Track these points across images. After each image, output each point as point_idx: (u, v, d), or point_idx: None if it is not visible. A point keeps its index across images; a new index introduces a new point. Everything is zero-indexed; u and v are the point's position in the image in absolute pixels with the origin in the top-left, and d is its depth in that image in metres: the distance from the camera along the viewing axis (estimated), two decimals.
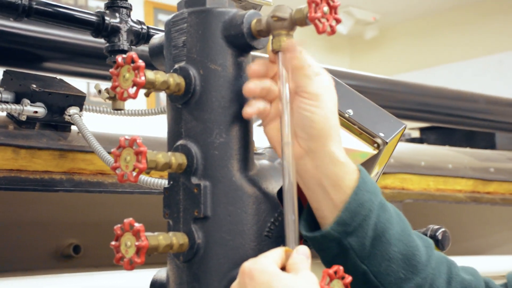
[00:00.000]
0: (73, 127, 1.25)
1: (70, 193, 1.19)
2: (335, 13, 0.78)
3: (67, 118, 1.21)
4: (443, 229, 1.31)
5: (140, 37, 1.02)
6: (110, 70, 0.79)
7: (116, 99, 1.01)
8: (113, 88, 0.79)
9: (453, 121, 2.37)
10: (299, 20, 0.78)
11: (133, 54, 0.78)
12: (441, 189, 1.97)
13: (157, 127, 1.48)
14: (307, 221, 0.85)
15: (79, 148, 1.21)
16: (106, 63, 1.24)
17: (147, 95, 0.82)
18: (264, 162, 0.89)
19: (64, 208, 1.69)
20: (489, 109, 2.48)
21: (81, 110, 1.22)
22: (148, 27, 1.04)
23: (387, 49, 6.49)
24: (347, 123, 0.97)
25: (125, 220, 0.77)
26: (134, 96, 0.77)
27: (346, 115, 0.97)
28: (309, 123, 0.80)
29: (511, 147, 3.04)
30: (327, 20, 0.77)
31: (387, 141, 0.95)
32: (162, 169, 0.80)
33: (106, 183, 1.24)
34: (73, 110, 1.21)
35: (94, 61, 1.36)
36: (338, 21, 0.78)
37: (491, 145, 3.02)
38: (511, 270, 0.93)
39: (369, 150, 0.96)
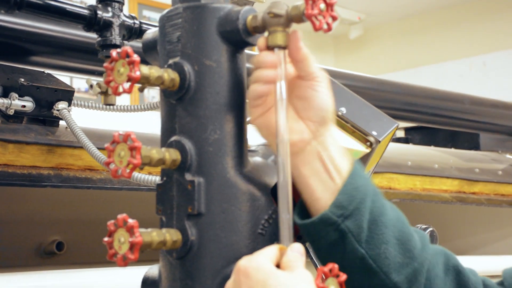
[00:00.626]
0: (61, 122, 1.24)
1: (53, 189, 1.18)
2: (332, 10, 0.78)
3: (55, 113, 1.20)
4: (431, 229, 1.32)
5: (132, 32, 1.01)
6: (104, 64, 0.78)
7: (107, 94, 1.00)
8: (107, 82, 0.78)
9: (439, 121, 2.38)
10: (296, 17, 0.78)
11: (128, 48, 0.77)
12: (428, 189, 1.98)
13: (144, 123, 1.47)
14: (300, 212, 0.85)
15: (68, 143, 1.20)
16: (96, 58, 1.23)
17: (141, 90, 0.81)
18: (258, 159, 0.88)
19: (47, 204, 1.67)
20: (474, 110, 2.49)
21: (69, 105, 1.21)
22: (140, 22, 1.03)
23: (371, 49, 6.51)
24: (340, 121, 0.97)
25: (119, 216, 0.76)
26: (129, 91, 0.76)
27: (339, 113, 0.97)
28: (325, 105, 0.82)
29: (494, 148, 3.06)
30: (324, 17, 0.77)
31: (380, 139, 0.95)
32: (156, 165, 0.79)
33: (95, 179, 1.23)
34: (61, 105, 1.20)
35: (82, 56, 1.35)
36: (334, 18, 0.78)
37: (475, 146, 3.04)
38: (507, 267, 0.93)
39: (362, 149, 0.96)
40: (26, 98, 1.17)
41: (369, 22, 6.36)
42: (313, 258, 0.96)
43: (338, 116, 0.96)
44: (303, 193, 0.84)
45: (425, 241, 0.86)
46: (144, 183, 1.01)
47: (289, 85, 0.82)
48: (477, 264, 1.96)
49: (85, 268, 1.28)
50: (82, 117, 1.25)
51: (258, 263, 0.72)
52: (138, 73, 0.76)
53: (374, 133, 0.96)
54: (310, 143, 0.82)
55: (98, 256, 1.73)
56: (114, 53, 0.77)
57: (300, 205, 0.85)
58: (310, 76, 0.81)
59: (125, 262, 0.75)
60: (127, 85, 0.76)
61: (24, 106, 1.16)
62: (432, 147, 2.52)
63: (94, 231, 1.71)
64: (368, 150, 0.96)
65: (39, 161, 1.17)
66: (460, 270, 0.88)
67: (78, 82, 4.56)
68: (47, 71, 1.30)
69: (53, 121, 1.23)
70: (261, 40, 0.81)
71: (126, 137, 0.76)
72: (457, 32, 6.41)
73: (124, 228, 0.75)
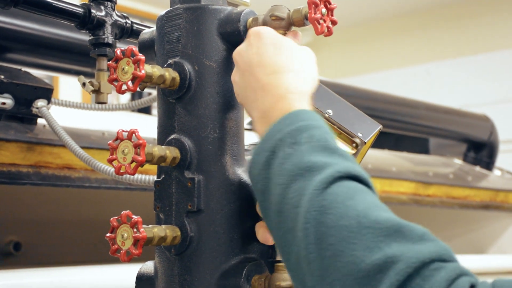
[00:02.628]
0: (39, 120, 1.23)
1: (9, 188, 1.16)
2: (332, 15, 0.81)
3: (34, 110, 1.19)
4: None
5: (124, 31, 1.01)
6: (108, 62, 0.79)
7: (99, 92, 1.01)
8: (111, 81, 0.79)
9: (394, 126, 2.44)
10: (297, 20, 0.81)
11: (133, 47, 0.78)
12: (387, 191, 2.04)
13: (113, 121, 1.47)
14: None
15: (48, 141, 1.20)
16: (73, 56, 1.23)
17: (142, 89, 0.82)
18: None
19: (3, 204, 1.65)
20: (428, 116, 2.57)
21: (48, 103, 1.21)
22: (132, 22, 1.04)
23: (319, 55, 6.56)
24: (327, 122, 1.00)
25: (123, 212, 0.77)
26: (134, 89, 0.78)
27: (326, 115, 0.99)
28: None
29: (442, 152, 3.16)
30: (324, 21, 0.80)
31: (365, 141, 0.99)
32: (157, 162, 0.80)
33: (73, 177, 1.23)
34: (41, 102, 1.19)
35: (59, 54, 1.35)
36: (334, 22, 0.81)
37: (425, 150, 3.13)
38: (499, 279, 0.97)
39: (348, 150, 0.99)
40: (6, 95, 1.16)
41: None
42: None
43: (325, 118, 0.99)
44: None
45: None
46: (136, 183, 1.02)
47: None
48: None
49: (42, 268, 1.27)
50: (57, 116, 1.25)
51: (269, 29, 0.78)
52: (143, 71, 0.77)
53: (360, 134, 0.99)
54: None
55: (57, 257, 1.72)
56: (118, 51, 0.78)
57: None
58: None
59: (129, 257, 0.76)
60: (131, 83, 0.78)
61: (4, 104, 1.15)
62: (387, 151, 2.59)
63: (52, 232, 1.70)
64: (353, 151, 0.99)
65: (18, 158, 1.17)
66: None
67: None
68: (23, 69, 1.28)
69: (32, 119, 1.22)
70: None
71: (130, 134, 0.77)
72: (401, 41, 6.56)
73: (128, 224, 0.76)
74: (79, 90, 4.88)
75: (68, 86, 4.65)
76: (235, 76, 0.79)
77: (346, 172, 0.64)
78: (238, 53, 0.79)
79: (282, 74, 0.74)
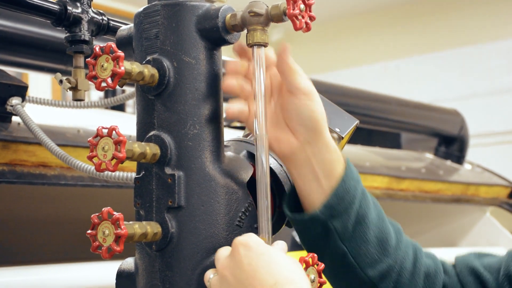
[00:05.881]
0: (14, 118, 1.22)
1: None
2: (310, 10, 0.82)
3: (8, 108, 1.18)
4: None
5: (101, 28, 1.01)
6: (87, 59, 0.79)
7: (77, 89, 1.00)
8: (90, 77, 0.79)
9: (367, 121, 2.46)
10: (276, 16, 0.81)
11: (112, 44, 0.78)
12: None
13: (87, 118, 1.46)
14: (289, 204, 0.89)
15: (23, 139, 1.19)
16: (46, 53, 1.22)
17: (121, 85, 0.82)
18: (230, 154, 0.91)
19: None
20: (399, 111, 2.59)
21: (23, 100, 1.19)
22: (108, 19, 1.03)
23: (292, 52, 6.62)
24: None
25: (104, 209, 0.77)
26: (113, 86, 0.77)
27: None
28: (308, 119, 0.85)
29: (413, 147, 3.20)
30: (303, 17, 0.81)
31: (343, 136, 1.00)
32: (137, 159, 0.80)
33: (49, 175, 1.22)
34: (15, 100, 1.18)
35: (31, 51, 1.33)
36: (312, 18, 0.82)
37: (397, 145, 3.17)
38: (460, 255, 1.00)
39: None
40: None
41: (290, 26, 6.45)
42: None
43: None
44: (296, 189, 0.88)
45: (400, 236, 0.92)
46: (114, 180, 1.02)
47: (279, 95, 0.86)
48: None
49: (19, 267, 1.26)
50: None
51: (257, 238, 0.77)
52: (123, 68, 0.77)
53: (337, 129, 1.00)
54: (300, 150, 0.86)
55: (33, 255, 1.70)
56: (97, 48, 0.78)
57: (291, 194, 0.89)
58: (296, 91, 0.85)
59: (110, 254, 0.76)
60: (111, 80, 0.77)
61: None
62: (359, 146, 2.61)
63: (28, 230, 1.68)
64: None
65: None
66: (424, 262, 0.94)
67: None
68: None
69: (6, 117, 1.20)
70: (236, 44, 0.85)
71: (110, 131, 0.77)
72: (372, 38, 6.61)
73: (109, 221, 0.76)
74: (49, 87, 4.84)
75: (38, 83, 4.61)
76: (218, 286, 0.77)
77: None
78: (226, 267, 0.76)
79: (284, 286, 0.73)
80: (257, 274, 0.74)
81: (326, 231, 0.87)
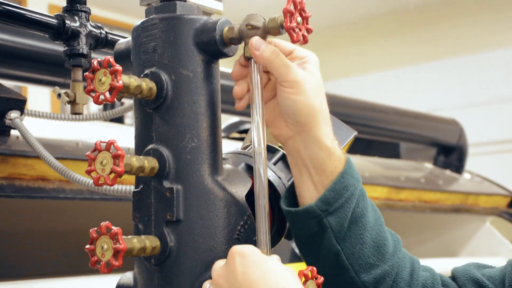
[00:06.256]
0: (13, 131, 1.22)
1: None
2: (307, 23, 0.82)
3: (7, 122, 1.18)
4: None
5: (99, 41, 1.01)
6: (85, 73, 0.79)
7: (75, 103, 1.00)
8: (88, 91, 0.79)
9: (365, 131, 2.46)
10: (273, 29, 0.81)
11: (110, 58, 0.78)
12: None
13: (89, 132, 1.46)
14: (287, 198, 0.89)
15: (21, 152, 1.18)
16: (44, 67, 1.23)
17: (119, 99, 0.82)
18: (229, 166, 0.90)
19: None
20: (398, 121, 2.59)
21: (22, 114, 1.19)
22: (106, 32, 1.03)
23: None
24: None
25: (102, 223, 0.77)
26: (111, 100, 0.78)
27: None
28: (292, 111, 0.84)
29: (413, 157, 3.20)
30: (300, 30, 0.81)
31: (341, 147, 1.00)
32: (135, 173, 0.80)
33: (48, 189, 1.22)
34: (14, 114, 1.18)
35: (30, 65, 1.33)
36: (309, 31, 0.82)
37: (396, 155, 3.16)
38: (457, 266, 1.00)
39: None
40: None
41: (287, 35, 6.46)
42: None
43: None
44: (294, 181, 0.88)
45: (398, 245, 0.91)
46: (113, 193, 1.01)
47: (275, 86, 0.86)
48: None
49: (17, 281, 1.26)
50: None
51: (253, 248, 0.77)
52: (121, 82, 0.77)
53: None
54: (291, 139, 0.86)
55: (32, 269, 1.70)
56: (95, 62, 0.78)
57: (289, 189, 0.89)
58: (286, 83, 0.84)
59: (109, 269, 0.76)
60: (109, 93, 0.78)
61: None
62: (358, 156, 2.61)
63: (27, 244, 1.68)
64: None
65: None
66: (422, 274, 0.93)
67: None
68: None
69: (4, 131, 1.20)
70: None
71: (109, 145, 0.77)
72: (370, 47, 6.63)
73: (107, 235, 0.76)
74: (48, 100, 4.85)
75: (37, 96, 4.61)
76: None
77: None
78: (221, 275, 0.77)
79: None
80: (251, 283, 0.74)
81: (320, 228, 0.86)
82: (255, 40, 0.81)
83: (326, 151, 0.86)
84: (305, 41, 0.81)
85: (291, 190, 0.89)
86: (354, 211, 0.86)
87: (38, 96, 4.66)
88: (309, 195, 0.86)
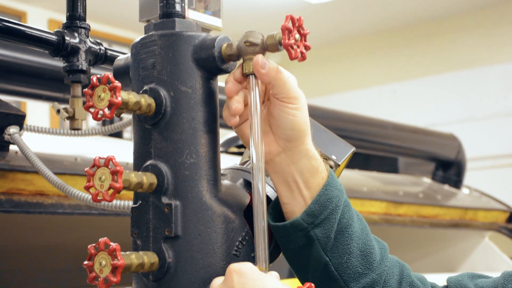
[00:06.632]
0: (11, 147, 1.22)
1: None
2: (305, 40, 0.82)
3: (6, 137, 1.18)
4: None
5: (98, 57, 1.02)
6: (84, 90, 0.79)
7: (74, 119, 1.00)
8: (87, 108, 0.79)
9: (364, 146, 2.47)
10: (271, 46, 0.82)
11: (109, 74, 0.78)
12: (358, 211, 2.04)
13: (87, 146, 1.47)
14: (272, 214, 0.89)
15: (20, 167, 1.19)
16: (44, 82, 1.23)
17: (118, 115, 0.82)
18: (227, 182, 0.91)
19: None
20: (396, 135, 2.60)
21: (21, 129, 1.20)
22: (105, 48, 1.04)
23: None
24: None
25: (100, 239, 0.77)
26: (110, 116, 0.78)
27: None
28: (291, 126, 0.85)
29: (411, 171, 3.20)
30: (298, 47, 0.81)
31: (339, 163, 1.00)
32: (134, 188, 0.81)
33: (46, 204, 1.22)
34: (13, 129, 1.19)
35: (29, 80, 1.34)
36: (307, 48, 0.82)
37: (394, 170, 3.17)
38: (451, 276, 1.00)
39: None
40: None
41: None
42: None
43: None
44: (279, 197, 0.88)
45: (385, 253, 0.92)
46: (111, 209, 1.02)
47: (270, 99, 0.86)
48: None
49: None
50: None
51: (251, 265, 0.77)
52: (120, 98, 0.78)
53: (334, 157, 1.00)
54: (280, 156, 0.86)
55: (31, 284, 1.69)
56: (94, 78, 0.79)
57: (274, 205, 0.89)
58: (287, 100, 0.84)
59: (107, 285, 0.76)
60: (108, 110, 0.78)
61: None
62: (357, 171, 2.61)
63: (25, 259, 1.68)
64: None
65: None
66: (412, 281, 0.94)
67: None
68: None
69: (3, 146, 1.21)
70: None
71: (107, 161, 0.77)
72: (368, 62, 6.66)
73: (106, 251, 0.76)
74: (47, 115, 4.86)
75: (36, 111, 4.62)
76: None
77: None
78: None
79: None
80: None
81: (308, 240, 0.86)
82: (261, 58, 0.82)
83: (315, 161, 0.87)
84: (303, 58, 0.81)
85: (275, 206, 0.90)
86: (339, 222, 0.87)
87: (37, 110, 4.67)
88: (298, 207, 0.87)
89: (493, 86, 5.73)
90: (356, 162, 2.88)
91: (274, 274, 0.79)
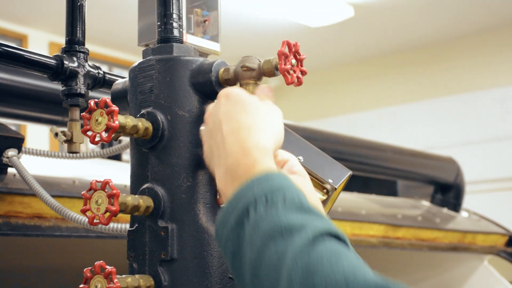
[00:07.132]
0: (10, 169, 1.23)
1: None
2: (301, 65, 0.83)
3: (5, 160, 1.19)
4: None
5: (97, 81, 1.03)
6: (82, 113, 0.80)
7: (72, 142, 1.01)
8: (85, 131, 0.80)
9: (364, 169, 2.47)
10: (268, 71, 0.83)
11: (106, 99, 0.79)
12: (357, 234, 2.05)
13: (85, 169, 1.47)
14: None
15: (18, 190, 1.19)
16: (43, 105, 1.24)
17: (115, 139, 0.83)
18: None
19: None
20: (395, 159, 2.60)
21: (19, 152, 1.20)
22: (104, 72, 1.05)
23: (288, 98, 6.69)
24: None
25: (96, 263, 0.77)
26: (107, 140, 0.78)
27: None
28: None
29: (410, 194, 3.20)
30: (294, 72, 0.82)
31: (336, 187, 1.00)
32: (130, 212, 0.81)
33: (44, 227, 1.22)
34: (11, 152, 1.19)
35: (28, 103, 1.35)
36: (303, 73, 0.83)
37: (393, 193, 3.17)
38: None
39: (319, 196, 1.00)
40: None
41: None
42: None
43: None
44: None
45: None
46: (108, 232, 1.02)
47: None
48: None
49: None
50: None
51: (238, 90, 0.79)
52: (117, 122, 0.78)
53: (330, 180, 1.00)
54: None
55: None
56: (92, 102, 0.80)
57: None
58: None
59: None
60: (105, 134, 0.79)
61: None
62: (355, 194, 2.61)
63: (23, 282, 1.67)
64: (324, 197, 1.01)
65: None
66: None
67: None
68: None
69: (1, 169, 1.21)
70: None
71: (104, 185, 0.78)
72: (367, 85, 6.68)
73: (101, 275, 0.76)
74: (47, 138, 4.87)
75: (36, 134, 4.63)
76: (204, 135, 0.81)
77: (327, 231, 0.65)
78: (209, 113, 0.81)
79: (247, 130, 0.75)
80: (228, 119, 0.76)
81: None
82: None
83: None
84: (299, 82, 0.82)
85: None
86: None
87: (36, 133, 4.68)
88: None
89: (491, 110, 5.74)
90: (355, 185, 2.88)
91: (263, 87, 0.83)
